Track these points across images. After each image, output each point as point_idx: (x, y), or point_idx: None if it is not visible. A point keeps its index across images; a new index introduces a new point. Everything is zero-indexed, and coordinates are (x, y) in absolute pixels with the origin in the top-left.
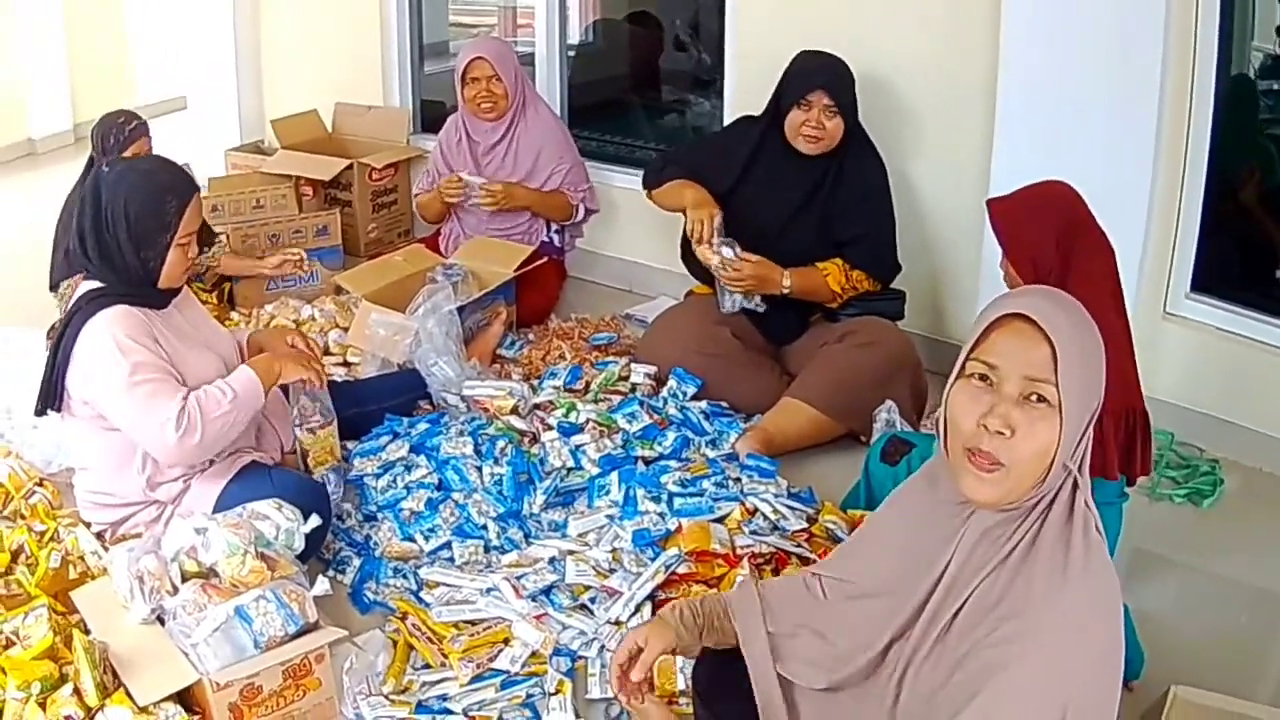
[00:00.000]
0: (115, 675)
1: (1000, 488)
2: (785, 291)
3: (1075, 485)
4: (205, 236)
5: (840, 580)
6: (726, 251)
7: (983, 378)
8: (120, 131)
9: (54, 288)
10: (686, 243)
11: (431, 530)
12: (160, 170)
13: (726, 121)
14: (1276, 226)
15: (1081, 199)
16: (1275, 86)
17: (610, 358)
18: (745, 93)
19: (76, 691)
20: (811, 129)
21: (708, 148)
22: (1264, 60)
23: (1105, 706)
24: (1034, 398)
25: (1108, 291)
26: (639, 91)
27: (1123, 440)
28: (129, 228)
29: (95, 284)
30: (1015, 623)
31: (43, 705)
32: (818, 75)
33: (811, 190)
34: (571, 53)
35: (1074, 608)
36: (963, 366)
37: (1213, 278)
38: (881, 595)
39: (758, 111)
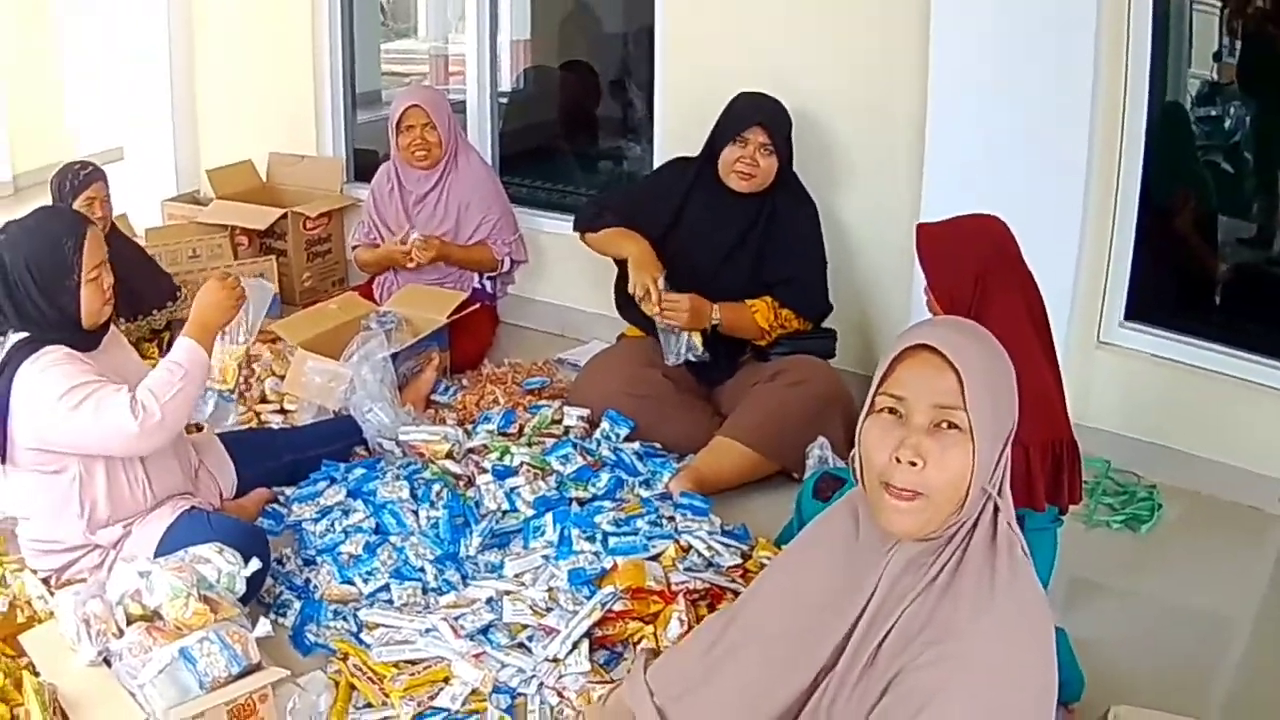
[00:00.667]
0: (65, 716)
1: (920, 517)
2: (714, 323)
3: (996, 508)
4: (169, 290)
5: (752, 623)
6: (662, 285)
7: (892, 410)
8: (76, 177)
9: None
10: (622, 288)
11: (370, 573)
12: (47, 219)
13: (657, 164)
14: (1212, 253)
15: (1010, 235)
16: (1212, 113)
17: (543, 401)
18: (674, 136)
19: None
20: (745, 165)
21: (642, 191)
22: (1200, 87)
23: (1040, 713)
24: (944, 425)
25: (1028, 327)
26: (570, 138)
27: (1050, 471)
28: (35, 282)
29: (23, 335)
30: (944, 645)
31: None
32: (756, 112)
33: (745, 230)
34: (504, 100)
35: (1002, 628)
36: (872, 401)
37: (1147, 305)
38: (797, 635)
39: (688, 153)
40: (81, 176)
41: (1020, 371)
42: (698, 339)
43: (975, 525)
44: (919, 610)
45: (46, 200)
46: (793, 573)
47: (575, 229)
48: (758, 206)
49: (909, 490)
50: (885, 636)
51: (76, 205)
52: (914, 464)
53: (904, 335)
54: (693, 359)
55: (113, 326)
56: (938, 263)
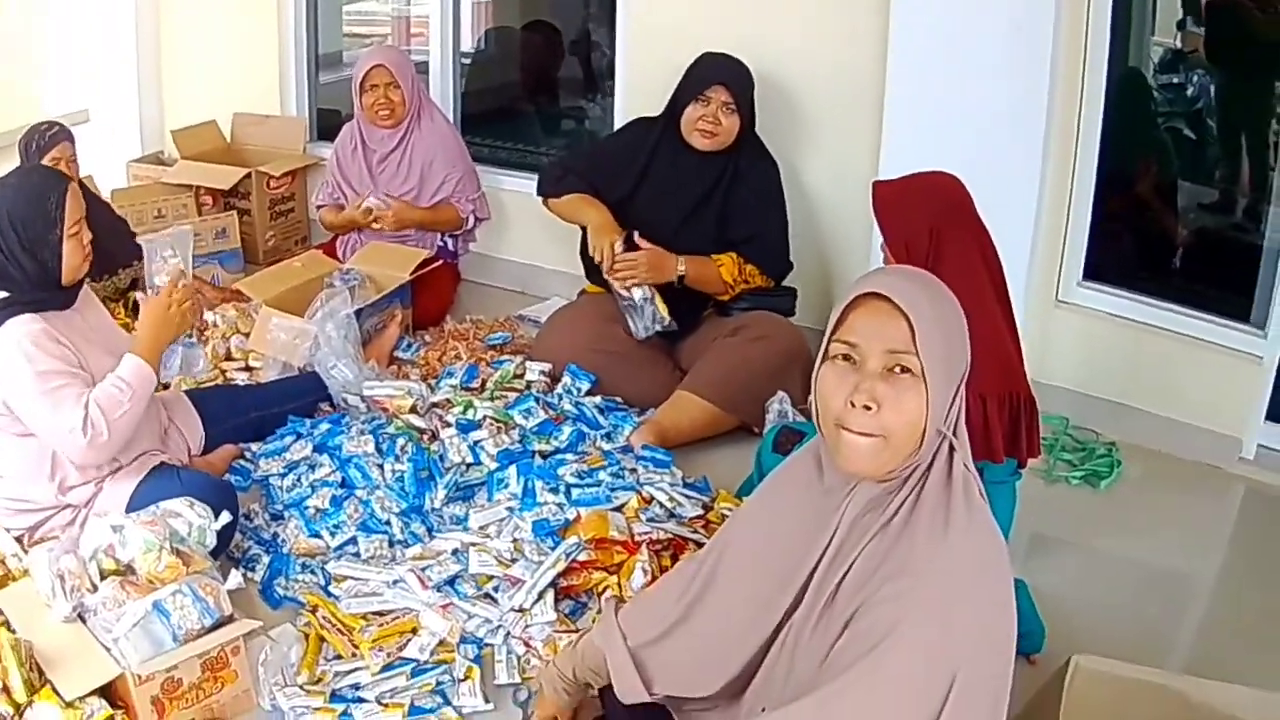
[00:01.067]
0: (41, 673)
1: (879, 457)
2: (679, 276)
3: (951, 449)
4: (134, 251)
5: (721, 568)
6: (619, 248)
7: (846, 357)
8: (41, 138)
9: None
10: (586, 254)
11: (337, 527)
12: (28, 175)
13: (618, 124)
14: (1172, 216)
15: (964, 190)
16: (1175, 80)
17: (505, 356)
18: (636, 96)
19: (4, 689)
20: (708, 123)
21: (604, 153)
22: (1164, 54)
23: (997, 665)
24: (897, 369)
25: (984, 279)
26: (533, 98)
27: (1007, 424)
28: (19, 237)
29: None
30: (900, 581)
31: None
32: (719, 71)
33: (709, 189)
34: (466, 60)
35: (958, 564)
36: (827, 349)
37: (1106, 266)
38: (763, 579)
39: (649, 113)
40: (47, 137)
41: (975, 323)
42: (663, 309)
43: (931, 466)
44: (876, 549)
45: (13, 163)
46: (758, 519)
47: (539, 193)
48: (721, 165)
49: (865, 434)
50: (844, 576)
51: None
52: (869, 408)
53: (856, 284)
54: (660, 329)
55: (85, 284)
56: (892, 217)
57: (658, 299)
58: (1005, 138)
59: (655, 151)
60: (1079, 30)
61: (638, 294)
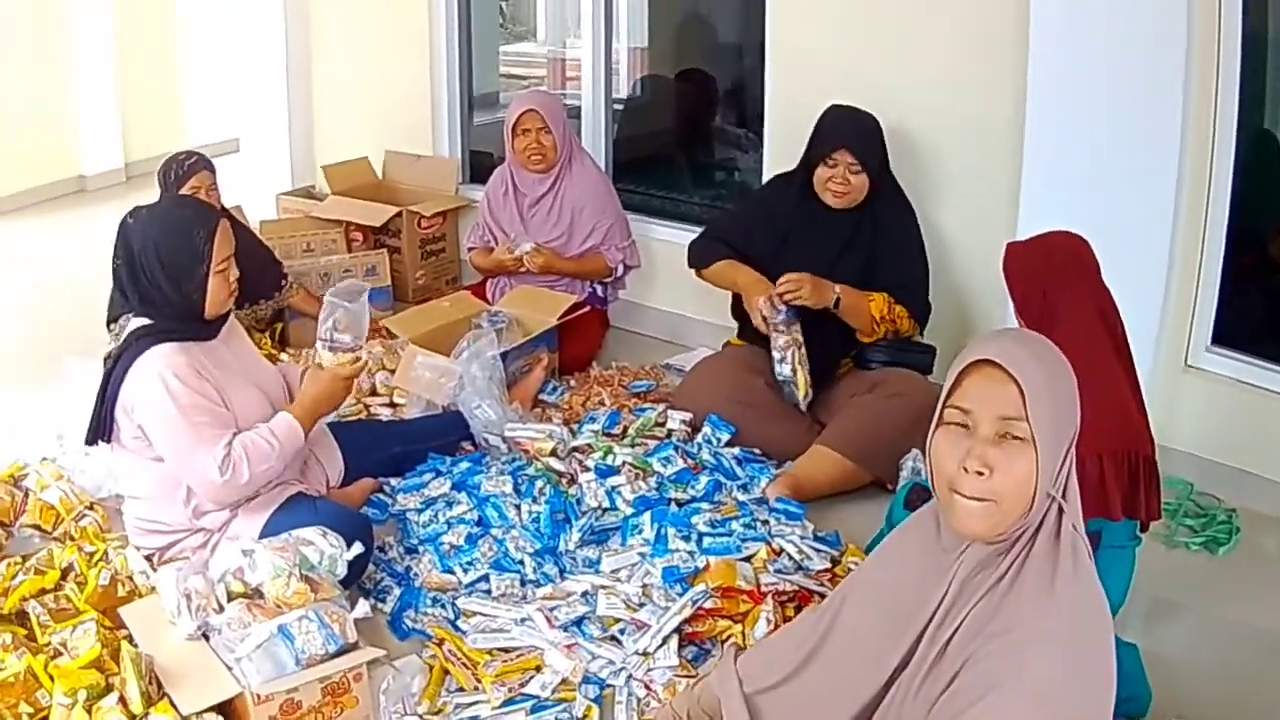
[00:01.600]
0: (160, 686)
1: (990, 519)
2: (835, 299)
3: (1060, 510)
4: (277, 278)
5: (839, 621)
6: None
7: (959, 423)
8: (180, 167)
9: (111, 322)
10: (737, 309)
11: (470, 563)
12: (179, 207)
13: (767, 174)
14: None
15: (1086, 248)
16: None
17: (648, 405)
18: (784, 147)
19: (122, 700)
20: (838, 185)
21: (745, 214)
22: None
23: (1098, 715)
24: (1008, 436)
25: (1102, 337)
26: (685, 147)
27: (1125, 483)
28: (164, 268)
29: (144, 321)
30: (1006, 637)
31: (89, 712)
32: (842, 134)
33: (847, 241)
34: (619, 106)
35: (1061, 624)
36: (941, 414)
37: (1235, 331)
38: (877, 633)
39: (789, 169)
40: (186, 166)
41: (1093, 380)
42: (804, 387)
43: (1040, 526)
44: (985, 608)
45: (156, 190)
46: (878, 574)
47: (690, 266)
48: (857, 218)
49: (977, 499)
50: (953, 634)
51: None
52: (980, 473)
53: (969, 348)
54: (797, 400)
55: (231, 316)
56: (1014, 278)
57: (800, 375)
58: (1137, 198)
59: (794, 208)
60: (1209, 91)
61: (781, 369)
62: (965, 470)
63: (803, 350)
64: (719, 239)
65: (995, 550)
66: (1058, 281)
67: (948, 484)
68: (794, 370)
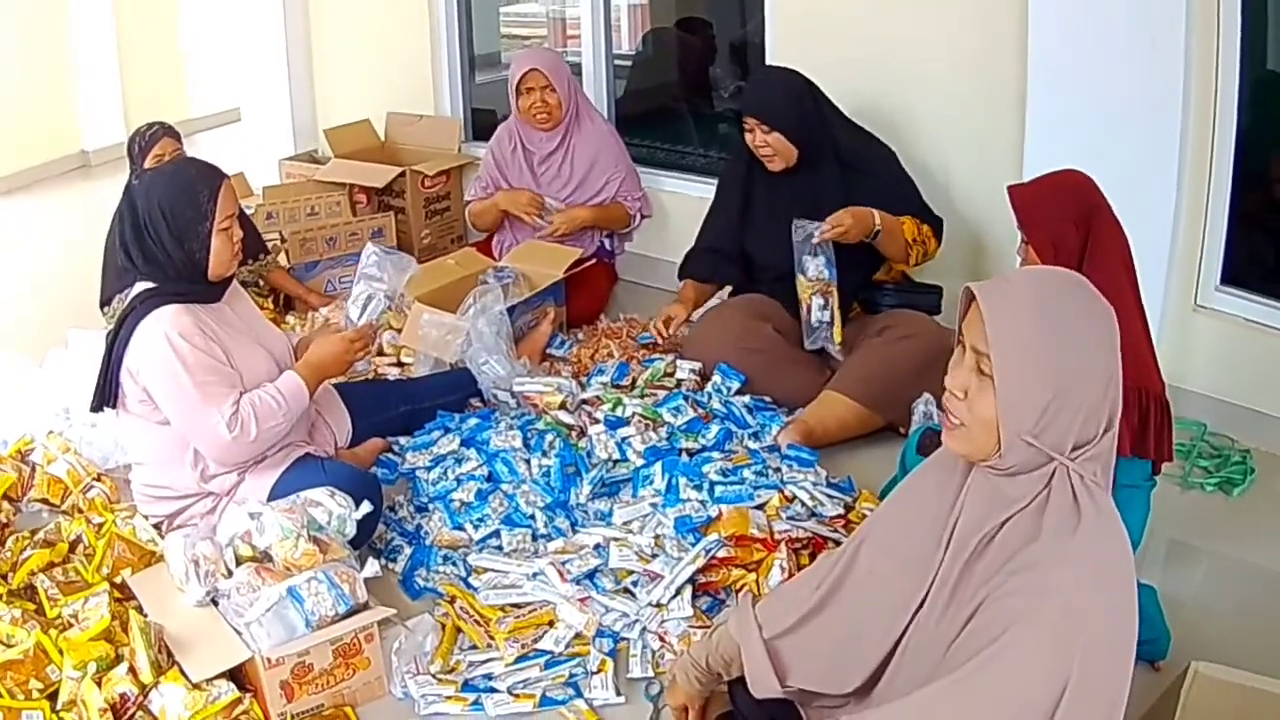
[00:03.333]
0: (170, 655)
1: (962, 443)
2: (876, 230)
3: (1073, 476)
4: (255, 246)
5: (855, 559)
6: (811, 267)
7: (960, 345)
8: (142, 138)
9: (105, 304)
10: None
11: (481, 520)
12: (184, 166)
13: None
14: None
15: (1097, 186)
16: None
17: (656, 355)
18: None
19: (132, 670)
20: (763, 152)
21: (713, 212)
22: None
23: (1115, 671)
24: (980, 367)
25: (1124, 274)
26: (688, 98)
27: (1134, 421)
28: (169, 226)
29: (148, 285)
30: (1022, 579)
31: (99, 683)
32: (746, 102)
33: (800, 202)
34: (621, 62)
35: (1083, 568)
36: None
37: (1244, 270)
38: (893, 573)
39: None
40: (147, 136)
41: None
42: (839, 336)
43: (1050, 485)
44: (1003, 546)
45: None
46: (895, 513)
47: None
48: (823, 174)
49: (954, 418)
50: (965, 567)
51: (147, 164)
52: (955, 395)
53: (982, 282)
54: (831, 352)
55: (235, 280)
56: (1037, 218)
57: (836, 327)
58: (1142, 139)
59: (748, 182)
60: (1212, 31)
61: (821, 315)
62: (946, 389)
63: (835, 296)
64: (694, 254)
65: (1002, 485)
66: (1090, 219)
67: (943, 400)
68: (832, 316)
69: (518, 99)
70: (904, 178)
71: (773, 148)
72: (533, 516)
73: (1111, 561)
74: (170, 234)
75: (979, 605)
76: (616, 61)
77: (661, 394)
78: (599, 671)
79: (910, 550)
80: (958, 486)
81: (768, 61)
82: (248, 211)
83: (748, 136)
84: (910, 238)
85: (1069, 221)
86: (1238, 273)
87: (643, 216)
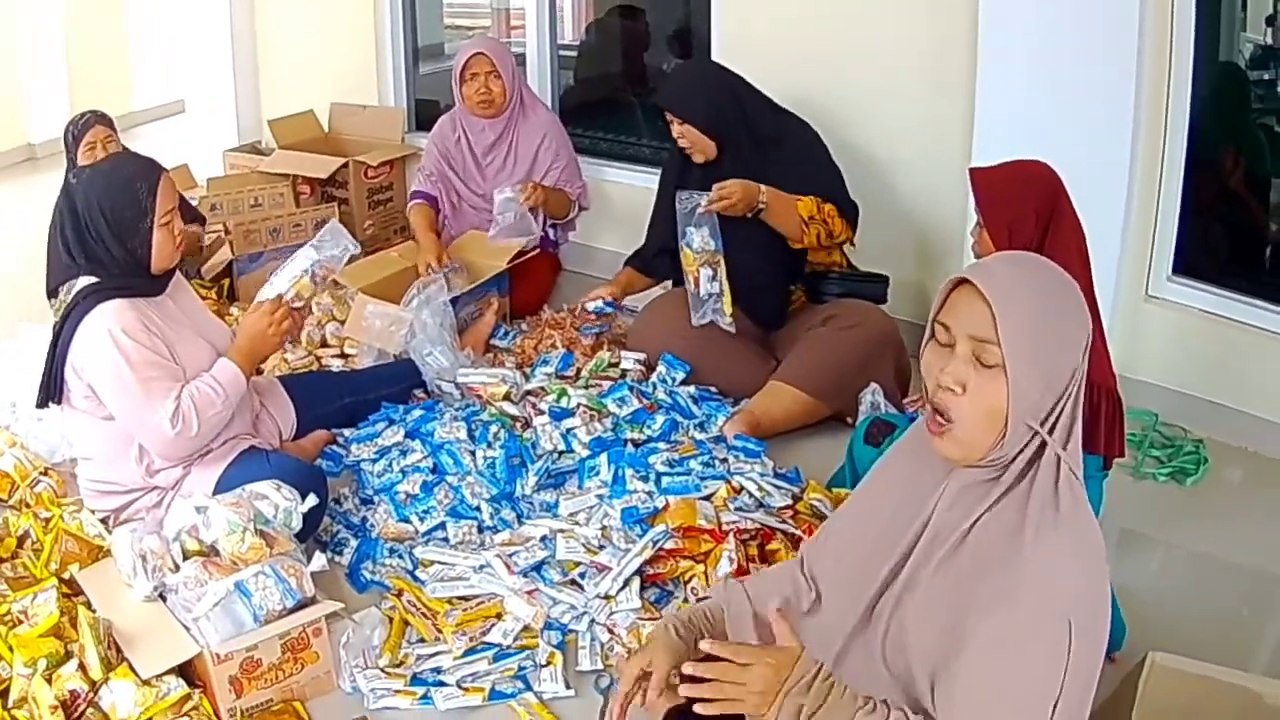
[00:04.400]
0: (119, 650)
1: (957, 444)
2: (761, 205)
3: (1060, 463)
4: (188, 215)
5: (833, 542)
6: (696, 239)
7: (943, 341)
8: (75, 126)
9: (52, 294)
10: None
11: (426, 512)
12: (122, 163)
13: None
14: (1263, 212)
15: (1061, 181)
16: (1266, 76)
17: (599, 324)
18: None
19: (81, 666)
20: (685, 145)
21: (656, 210)
22: (1254, 50)
23: (1092, 660)
24: (980, 356)
25: (1080, 269)
26: (632, 88)
27: (1084, 415)
28: (109, 225)
29: (91, 279)
30: (1006, 588)
31: (49, 680)
32: (661, 97)
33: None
34: (565, 52)
35: (1069, 561)
36: (930, 327)
37: (1196, 261)
38: (867, 547)
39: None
40: (80, 124)
41: None
42: (729, 309)
43: (1036, 469)
44: (985, 540)
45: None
46: (872, 488)
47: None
48: (733, 166)
49: (946, 419)
50: (940, 560)
51: (80, 153)
52: (952, 389)
53: (967, 268)
54: (721, 325)
55: (177, 272)
56: (996, 202)
57: (726, 299)
58: (1094, 129)
59: (682, 178)
60: (1164, 25)
61: (710, 286)
62: (940, 386)
63: (723, 267)
64: (658, 253)
65: (982, 481)
66: (1049, 208)
67: (929, 398)
68: (721, 288)
69: (461, 86)
70: (824, 160)
71: (689, 140)
72: (478, 508)
73: (1091, 548)
74: (111, 233)
75: (963, 603)
76: (561, 52)
77: (606, 385)
78: (548, 664)
79: (878, 532)
80: (935, 484)
81: (713, 50)
82: (191, 203)
83: (673, 132)
84: (806, 215)
85: (1030, 212)
86: (1190, 263)
87: (580, 207)
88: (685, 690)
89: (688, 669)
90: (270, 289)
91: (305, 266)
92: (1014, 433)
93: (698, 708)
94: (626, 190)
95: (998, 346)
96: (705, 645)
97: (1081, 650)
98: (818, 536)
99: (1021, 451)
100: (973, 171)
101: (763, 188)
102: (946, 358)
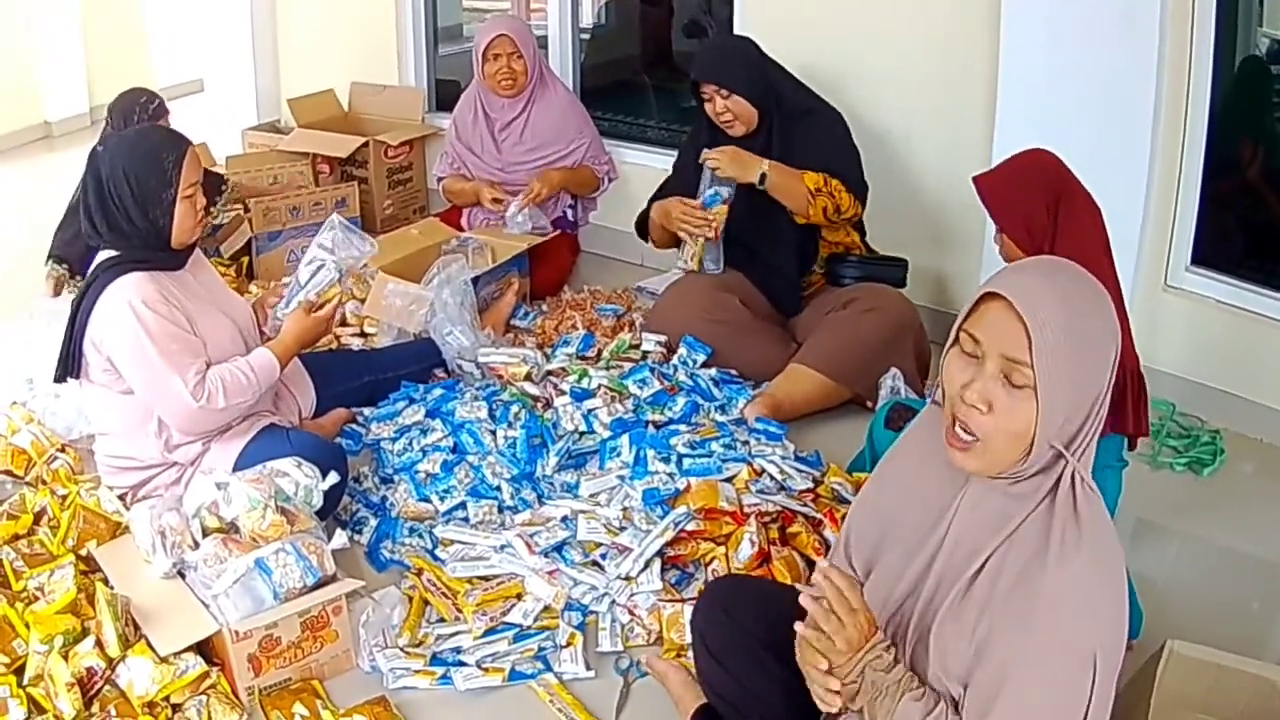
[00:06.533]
0: (137, 627)
1: (979, 460)
2: (762, 175)
3: (1077, 477)
4: (211, 186)
5: (853, 536)
6: (725, 191)
7: (970, 352)
8: (144, 110)
9: (51, 259)
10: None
11: (447, 491)
12: (149, 133)
13: None
14: None
15: (1063, 163)
16: None
17: (624, 333)
18: None
19: (98, 643)
20: (723, 117)
21: (673, 173)
22: (1271, 45)
23: (1113, 659)
24: (1011, 377)
25: (1101, 250)
26: (650, 71)
27: (1113, 397)
28: (133, 193)
29: (111, 252)
30: (1028, 606)
31: (65, 657)
32: (701, 68)
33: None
34: (585, 34)
35: (1084, 594)
36: (956, 334)
37: (1214, 252)
38: (887, 554)
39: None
40: (150, 110)
41: None
42: (691, 253)
43: (1056, 486)
44: (1010, 564)
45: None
46: (885, 481)
47: (640, 237)
48: (764, 141)
49: (964, 435)
50: (975, 575)
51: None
52: (977, 408)
53: (995, 276)
54: (713, 269)
55: (197, 248)
56: (1005, 203)
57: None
58: (1114, 118)
59: (710, 144)
60: (1185, 17)
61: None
62: (965, 402)
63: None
64: (653, 203)
65: (1002, 494)
66: (1057, 194)
67: (951, 407)
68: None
69: (484, 65)
70: (844, 139)
71: (733, 112)
72: (499, 488)
73: (1111, 565)
74: (135, 201)
75: (986, 625)
76: (581, 35)
77: (627, 366)
78: (568, 645)
79: (898, 535)
80: (951, 495)
81: (736, 30)
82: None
83: (706, 106)
84: (813, 187)
85: (1040, 203)
86: (1208, 253)
87: (610, 179)
88: (801, 629)
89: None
90: (301, 292)
91: (332, 277)
92: (1038, 453)
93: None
94: (644, 172)
95: (1030, 369)
96: (832, 578)
97: (1105, 676)
98: (848, 529)
99: (1046, 464)
100: (976, 180)
101: (765, 162)
102: (973, 371)
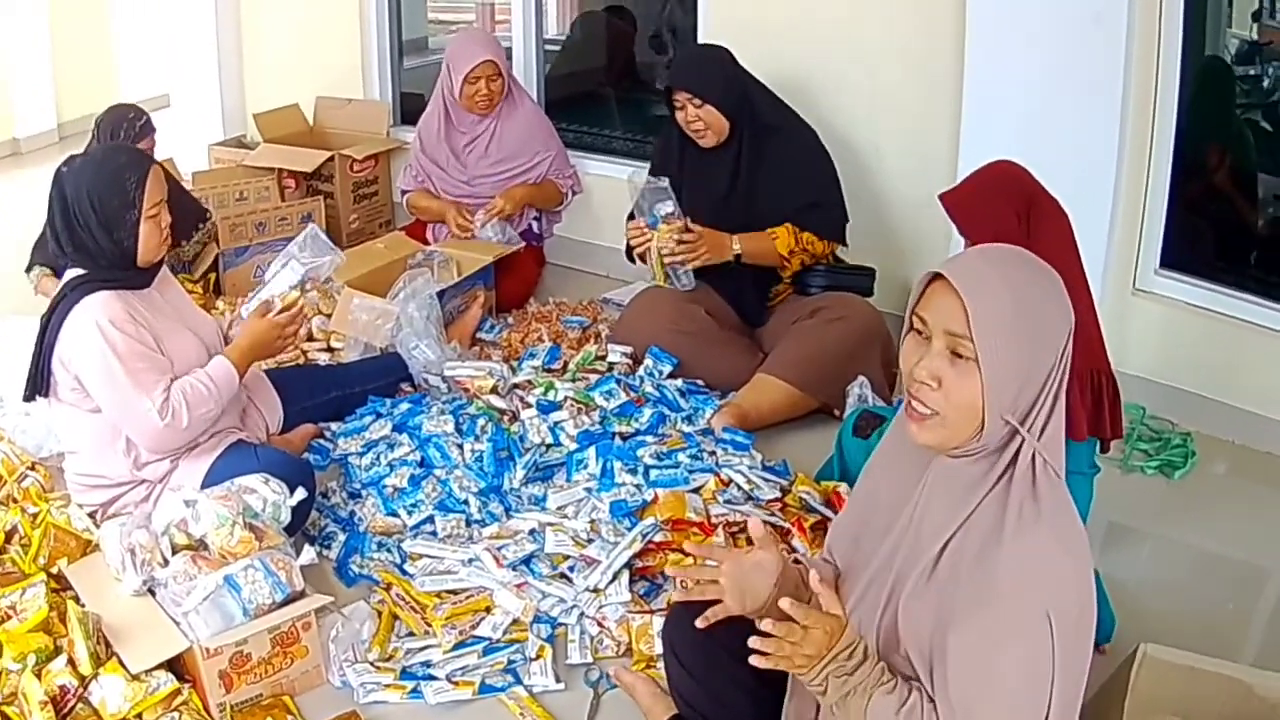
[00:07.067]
0: (108, 645)
1: (935, 433)
2: (736, 254)
3: (1036, 457)
4: (195, 216)
5: (837, 530)
6: (663, 209)
7: (919, 331)
8: (131, 127)
9: (29, 269)
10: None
11: (414, 505)
12: (112, 154)
13: None
14: (1250, 207)
15: (1028, 171)
16: (1251, 72)
17: (590, 345)
18: None
19: (70, 662)
20: (693, 125)
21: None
22: (1240, 46)
23: (1081, 651)
24: (954, 352)
25: (1071, 254)
26: (614, 83)
27: (1089, 402)
28: (96, 214)
29: (78, 271)
30: (988, 593)
31: (38, 675)
32: (675, 76)
33: (731, 176)
34: (551, 46)
35: (1039, 544)
36: (908, 320)
37: (1184, 255)
38: (861, 538)
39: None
40: (138, 127)
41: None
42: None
43: (1014, 464)
44: (967, 547)
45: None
46: (869, 476)
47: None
48: (735, 152)
49: (925, 408)
50: (925, 562)
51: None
52: (928, 384)
53: (942, 263)
54: (686, 284)
55: (164, 266)
56: (973, 218)
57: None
58: (1082, 122)
59: (678, 159)
60: (1153, 19)
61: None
62: (915, 378)
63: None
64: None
65: (964, 474)
66: (1026, 204)
67: (907, 385)
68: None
69: (463, 86)
70: (818, 167)
71: (705, 122)
72: (466, 501)
73: (1072, 540)
74: (99, 223)
75: (946, 605)
76: (545, 46)
77: (593, 378)
78: (538, 658)
79: (871, 521)
80: (917, 476)
81: (700, 38)
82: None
83: (679, 114)
84: (786, 251)
85: (1009, 215)
86: (1177, 256)
87: (574, 193)
88: (752, 642)
89: (765, 625)
90: (266, 293)
91: (295, 281)
92: (991, 426)
93: (753, 659)
94: (609, 183)
95: (971, 341)
96: (785, 605)
97: (1067, 641)
98: (833, 524)
99: (1003, 443)
100: (942, 197)
101: (735, 240)
102: (923, 350)
